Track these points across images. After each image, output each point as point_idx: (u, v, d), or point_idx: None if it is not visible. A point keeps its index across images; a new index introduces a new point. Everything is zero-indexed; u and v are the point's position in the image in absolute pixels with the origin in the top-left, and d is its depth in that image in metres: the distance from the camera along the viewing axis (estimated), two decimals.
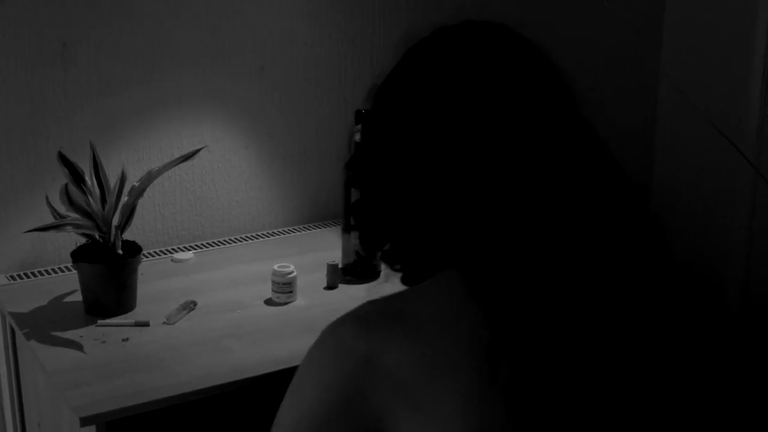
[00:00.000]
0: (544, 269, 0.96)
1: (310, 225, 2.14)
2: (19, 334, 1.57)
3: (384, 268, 1.10)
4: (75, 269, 1.61)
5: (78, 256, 1.58)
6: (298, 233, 2.09)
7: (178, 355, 1.46)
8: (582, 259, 0.98)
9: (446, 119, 0.98)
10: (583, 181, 1.00)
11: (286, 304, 1.67)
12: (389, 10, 2.17)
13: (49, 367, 1.41)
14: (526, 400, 0.93)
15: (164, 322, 1.57)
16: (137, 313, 1.61)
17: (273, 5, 2.00)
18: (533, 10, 2.39)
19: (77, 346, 1.48)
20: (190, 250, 1.95)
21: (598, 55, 2.57)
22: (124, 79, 1.86)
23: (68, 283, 1.72)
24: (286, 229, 2.12)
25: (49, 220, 1.61)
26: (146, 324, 1.56)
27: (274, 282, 1.67)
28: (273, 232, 2.09)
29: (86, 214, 1.55)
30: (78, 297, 1.64)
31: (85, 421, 1.26)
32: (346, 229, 1.80)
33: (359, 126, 1.75)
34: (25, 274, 1.79)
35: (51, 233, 1.80)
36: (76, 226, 1.56)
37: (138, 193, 1.60)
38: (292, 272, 1.67)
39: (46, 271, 1.81)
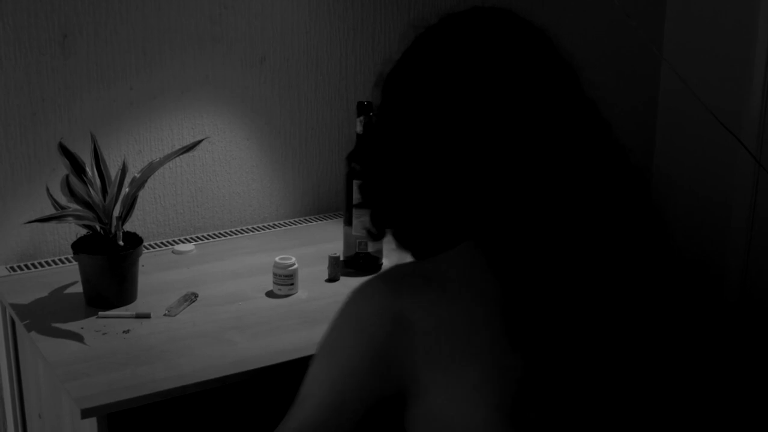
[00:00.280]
0: (557, 248, 1.01)
1: (311, 217, 2.14)
2: (19, 325, 1.57)
3: (390, 244, 1.14)
4: (75, 261, 1.61)
5: (78, 247, 1.57)
6: (300, 225, 2.09)
7: (180, 347, 1.45)
8: (590, 239, 1.03)
9: (457, 102, 1.01)
10: (589, 162, 1.03)
11: (287, 296, 1.66)
12: None
13: (50, 359, 1.40)
14: (541, 374, 0.97)
15: (165, 314, 1.56)
16: (138, 305, 1.60)
17: None
18: None
19: (78, 338, 1.47)
20: (190, 242, 1.94)
21: (600, 43, 2.56)
22: (125, 69, 1.85)
23: (68, 275, 1.71)
24: (287, 221, 2.11)
25: (49, 211, 1.61)
26: (147, 316, 1.55)
27: (275, 274, 1.66)
28: (274, 224, 2.08)
29: (87, 205, 1.54)
30: (78, 288, 1.63)
31: (86, 413, 1.26)
32: (348, 222, 1.79)
33: (362, 117, 1.75)
34: (25, 266, 1.79)
35: (51, 224, 1.80)
36: (77, 217, 1.55)
37: (139, 184, 1.59)
38: (294, 264, 1.66)
39: (46, 262, 1.81)
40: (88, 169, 1.57)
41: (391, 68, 1.10)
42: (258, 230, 2.04)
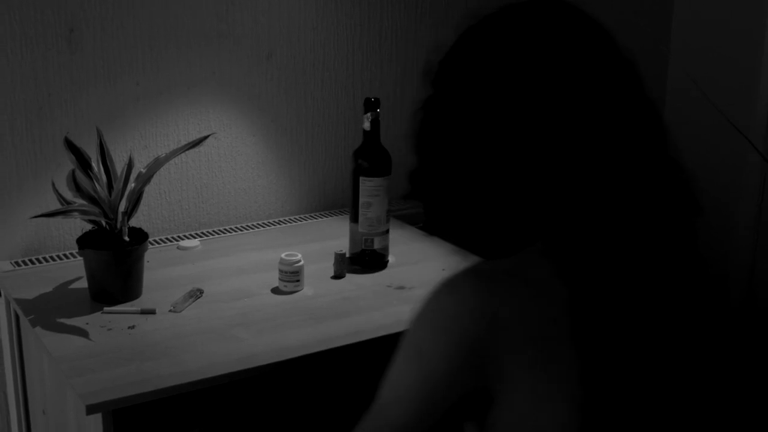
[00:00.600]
0: (620, 258, 0.99)
1: (317, 214, 2.13)
2: (23, 320, 1.56)
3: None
4: (80, 256, 1.60)
5: (84, 242, 1.57)
6: (305, 222, 2.08)
7: (185, 343, 1.45)
8: (650, 252, 1.01)
9: (522, 99, 0.97)
10: (648, 171, 1.01)
11: (293, 293, 1.65)
12: None
13: (55, 354, 1.40)
14: (602, 385, 0.96)
15: (170, 310, 1.56)
16: (143, 301, 1.59)
17: None
18: None
19: (83, 334, 1.47)
20: (195, 238, 1.93)
21: None
22: (131, 64, 1.84)
23: (73, 270, 1.70)
24: (292, 217, 2.10)
25: (54, 205, 1.60)
26: (152, 312, 1.55)
27: (281, 271, 1.66)
28: (279, 221, 2.08)
29: (93, 200, 1.54)
30: (83, 284, 1.62)
31: (91, 409, 1.25)
32: (354, 218, 1.78)
33: (369, 114, 1.74)
34: (30, 261, 1.78)
35: (56, 219, 1.79)
36: (83, 213, 1.54)
37: (145, 179, 1.58)
38: (300, 261, 1.66)
39: (51, 257, 1.80)
40: (93, 165, 1.56)
41: (444, 58, 1.05)
42: (263, 227, 2.04)
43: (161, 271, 1.73)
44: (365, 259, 1.79)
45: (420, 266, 1.81)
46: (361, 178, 1.75)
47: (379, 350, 1.51)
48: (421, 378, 0.98)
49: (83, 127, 1.78)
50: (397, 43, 2.18)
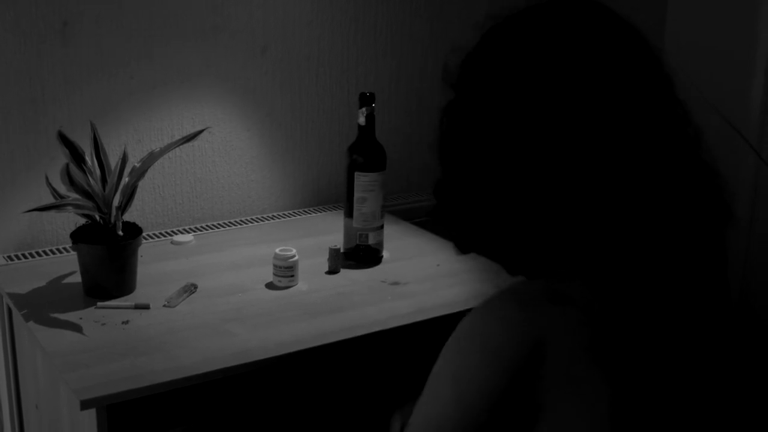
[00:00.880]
0: (654, 278, 0.95)
1: (311, 209, 2.12)
2: (16, 315, 1.56)
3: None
4: (74, 250, 1.59)
5: (77, 237, 1.56)
6: (299, 217, 2.08)
7: (179, 338, 1.44)
8: (682, 280, 0.98)
9: (554, 102, 0.92)
10: (683, 174, 0.97)
11: (287, 288, 1.65)
12: None
13: (48, 349, 1.39)
14: (633, 410, 0.93)
15: (165, 305, 1.55)
16: (137, 296, 1.59)
17: None
18: None
19: (77, 328, 1.46)
20: (189, 233, 1.93)
21: None
22: (125, 57, 1.83)
23: (67, 265, 1.70)
24: (286, 212, 2.10)
25: (47, 199, 1.59)
26: (146, 307, 1.54)
27: (275, 266, 1.65)
28: (273, 216, 2.07)
29: (87, 194, 1.53)
30: (77, 278, 1.62)
31: (85, 404, 1.25)
32: (348, 213, 1.78)
33: (364, 109, 1.73)
34: (23, 255, 1.77)
35: (49, 213, 1.78)
36: (77, 207, 1.54)
37: (139, 173, 1.58)
38: (294, 256, 1.65)
39: (44, 252, 1.79)
40: (87, 159, 1.55)
41: (466, 60, 1.00)
42: (257, 221, 2.03)
43: (155, 266, 1.73)
44: (360, 254, 1.78)
45: (415, 262, 1.80)
46: (356, 173, 1.74)
47: (373, 346, 1.51)
48: (460, 407, 0.94)
49: (77, 121, 1.77)
50: (392, 37, 2.17)
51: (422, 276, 1.72)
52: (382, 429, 1.26)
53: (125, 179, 1.57)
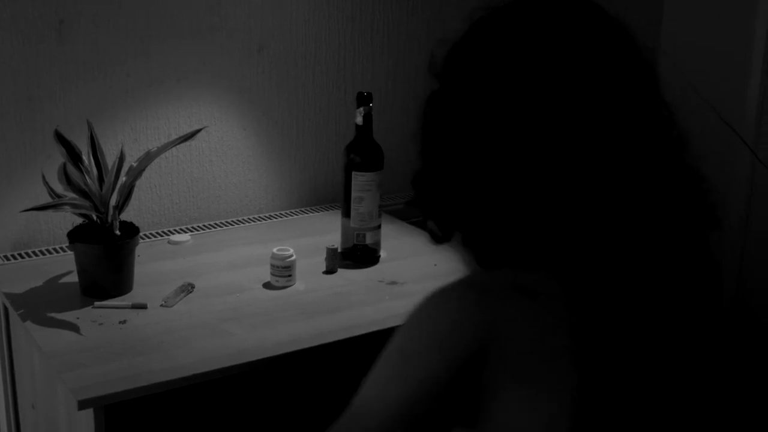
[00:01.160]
0: (626, 272, 0.95)
1: (308, 208, 2.12)
2: (13, 314, 1.55)
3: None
4: (71, 250, 1.59)
5: (75, 236, 1.56)
6: (296, 216, 2.07)
7: (176, 338, 1.44)
8: (662, 276, 0.98)
9: (533, 95, 0.92)
10: (665, 188, 0.97)
11: (284, 287, 1.65)
12: None
13: (45, 349, 1.39)
14: (597, 398, 0.94)
15: (162, 305, 1.55)
16: (134, 296, 1.58)
17: None
18: None
19: (74, 328, 1.46)
20: (186, 232, 1.92)
21: None
22: (121, 56, 1.83)
23: (63, 264, 1.69)
24: (284, 212, 2.10)
25: (44, 198, 1.59)
26: (144, 306, 1.54)
27: (273, 265, 1.65)
28: (270, 215, 2.07)
29: (84, 193, 1.53)
30: (74, 278, 1.61)
31: (83, 404, 1.24)
32: (346, 213, 1.78)
33: (361, 108, 1.73)
34: (19, 255, 1.77)
35: (46, 213, 1.78)
36: (74, 206, 1.53)
37: (137, 173, 1.57)
38: (292, 256, 1.65)
39: (41, 251, 1.79)
40: (84, 158, 1.55)
41: (451, 50, 0.99)
42: (254, 221, 2.03)
43: (152, 265, 1.72)
44: (357, 254, 1.78)
45: (412, 261, 1.80)
46: (353, 173, 1.74)
47: (371, 345, 1.51)
48: (406, 384, 0.95)
49: (73, 119, 1.77)
50: (389, 36, 2.17)
51: (420, 275, 1.72)
52: None
53: (122, 178, 1.57)
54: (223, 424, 1.41)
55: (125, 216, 1.64)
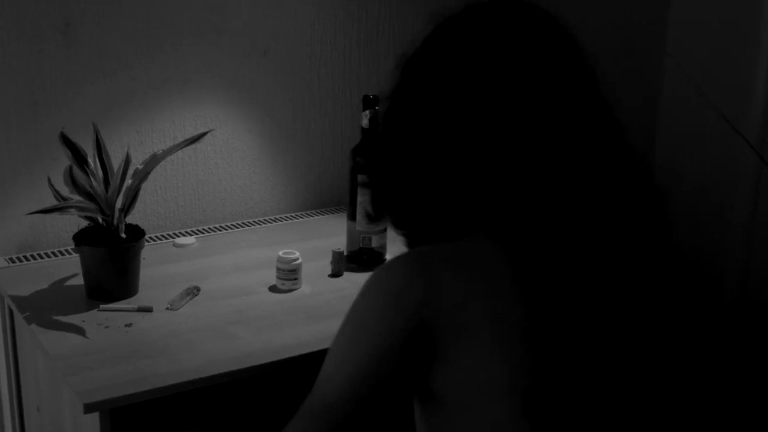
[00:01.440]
0: (567, 243, 1.03)
1: (313, 211, 2.12)
2: (18, 317, 1.55)
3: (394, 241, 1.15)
4: (76, 252, 1.59)
5: (80, 239, 1.55)
6: (302, 219, 2.07)
7: (182, 341, 1.43)
8: (601, 237, 1.06)
9: (471, 93, 1.04)
10: (600, 161, 1.06)
11: (290, 291, 1.64)
12: None
13: (51, 352, 1.38)
14: (546, 367, 1.00)
15: (168, 308, 1.55)
16: (140, 299, 1.58)
17: None
18: None
19: (79, 331, 1.45)
20: (191, 235, 1.92)
21: (601, 40, 2.54)
22: (127, 58, 1.82)
23: (69, 267, 1.69)
24: (289, 215, 2.09)
25: (49, 200, 1.58)
26: (149, 309, 1.53)
27: (278, 269, 1.65)
28: (276, 218, 2.06)
29: (89, 196, 1.52)
30: (79, 281, 1.61)
31: (89, 408, 1.24)
32: (352, 216, 1.77)
33: (367, 111, 1.73)
34: (24, 257, 1.77)
35: (51, 215, 1.77)
36: (80, 209, 1.53)
37: (142, 175, 1.57)
38: (298, 259, 1.65)
39: (46, 254, 1.78)
40: (90, 160, 1.54)
41: (411, 52, 1.12)
42: (259, 224, 2.03)
43: (157, 268, 1.72)
44: (363, 257, 1.78)
45: None
46: (359, 176, 1.74)
47: None
48: (360, 352, 1.03)
49: (78, 122, 1.76)
50: (395, 39, 2.16)
51: None
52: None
53: (128, 181, 1.57)
54: (229, 428, 1.40)
55: (131, 219, 1.64)
